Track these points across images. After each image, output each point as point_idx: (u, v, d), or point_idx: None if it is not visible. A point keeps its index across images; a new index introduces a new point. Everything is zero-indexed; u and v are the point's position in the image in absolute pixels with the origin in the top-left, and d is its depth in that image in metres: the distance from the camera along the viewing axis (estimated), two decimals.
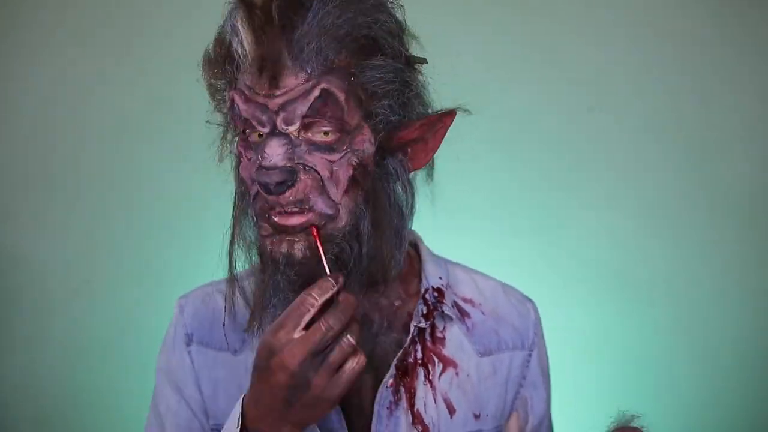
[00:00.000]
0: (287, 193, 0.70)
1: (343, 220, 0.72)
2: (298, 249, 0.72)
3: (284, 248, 0.72)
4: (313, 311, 0.67)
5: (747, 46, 1.79)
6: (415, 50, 0.78)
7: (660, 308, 1.84)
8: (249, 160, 0.73)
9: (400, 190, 0.78)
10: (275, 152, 0.69)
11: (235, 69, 0.72)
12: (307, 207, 0.71)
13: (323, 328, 0.66)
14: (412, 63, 0.76)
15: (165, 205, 1.87)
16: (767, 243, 1.83)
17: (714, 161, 1.82)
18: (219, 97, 0.78)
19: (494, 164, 1.75)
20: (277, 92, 0.69)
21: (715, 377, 1.82)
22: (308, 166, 0.70)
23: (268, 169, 0.69)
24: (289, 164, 0.70)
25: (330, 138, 0.70)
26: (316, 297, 0.67)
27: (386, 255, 0.77)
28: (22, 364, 1.92)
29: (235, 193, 0.79)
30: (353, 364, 0.67)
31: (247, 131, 0.73)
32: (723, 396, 1.81)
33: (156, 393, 0.89)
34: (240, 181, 0.76)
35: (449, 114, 0.76)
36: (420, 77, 0.77)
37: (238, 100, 0.72)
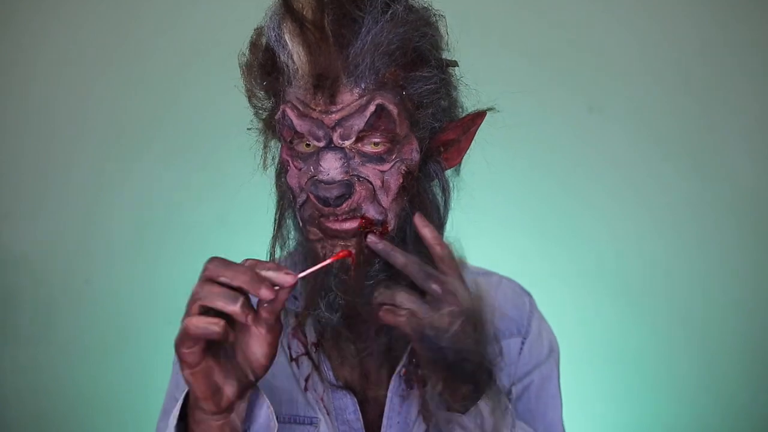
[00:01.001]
0: (344, 205, 0.72)
1: (391, 224, 0.75)
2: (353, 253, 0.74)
3: (336, 253, 0.74)
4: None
5: (747, 46, 1.79)
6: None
7: (660, 307, 1.84)
8: (298, 169, 0.75)
9: (439, 191, 0.81)
10: (332, 166, 0.71)
11: (284, 81, 0.73)
12: (359, 214, 0.74)
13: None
14: (446, 67, 0.78)
15: (165, 205, 1.88)
16: (767, 243, 1.83)
17: (714, 161, 1.82)
18: (258, 103, 0.79)
19: (494, 164, 1.75)
20: (334, 108, 0.71)
21: (715, 377, 1.82)
22: (362, 177, 0.73)
23: (326, 183, 0.71)
24: (346, 178, 0.72)
25: (381, 149, 0.73)
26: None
27: (426, 253, 0.79)
28: (22, 364, 1.92)
29: (278, 198, 0.81)
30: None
31: (294, 141, 0.75)
32: (723, 396, 1.81)
33: (171, 381, 0.91)
34: (286, 187, 0.77)
35: (481, 115, 0.79)
36: (454, 80, 0.79)
37: (291, 114, 0.73)
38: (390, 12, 0.70)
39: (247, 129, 0.82)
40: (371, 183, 0.73)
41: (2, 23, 1.88)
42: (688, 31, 1.80)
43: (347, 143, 0.72)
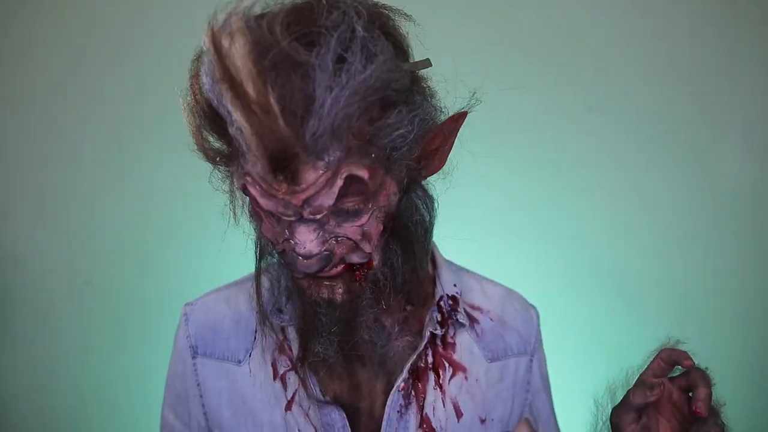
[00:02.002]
0: (323, 271, 0.70)
1: (376, 260, 0.73)
2: (339, 293, 0.73)
3: (324, 294, 0.72)
4: None
5: (747, 45, 1.79)
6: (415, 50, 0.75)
7: (660, 307, 1.84)
8: (272, 225, 0.71)
9: (423, 209, 0.78)
10: (307, 239, 0.67)
11: (238, 147, 0.66)
12: (342, 263, 0.71)
13: None
14: (417, 81, 0.71)
15: (165, 205, 1.87)
16: (767, 242, 1.83)
17: (714, 161, 1.82)
18: (209, 152, 0.72)
19: (493, 164, 1.75)
20: (298, 189, 0.64)
21: (715, 376, 1.82)
22: (340, 237, 0.69)
23: (305, 257, 0.68)
24: (325, 249, 0.68)
25: (355, 207, 0.68)
26: None
27: (419, 274, 0.79)
28: (22, 364, 1.92)
29: (256, 237, 0.78)
30: None
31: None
32: (723, 395, 1.81)
33: (163, 397, 0.91)
34: (262, 236, 0.75)
35: (462, 116, 0.73)
36: (426, 87, 0.73)
37: (254, 192, 0.67)
38: (345, 71, 0.60)
39: (216, 189, 0.78)
40: (351, 238, 0.69)
41: (3, 24, 1.88)
42: (688, 31, 1.80)
43: (318, 216, 0.67)
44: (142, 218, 1.89)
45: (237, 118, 0.61)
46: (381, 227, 0.70)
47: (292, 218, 0.67)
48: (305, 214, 0.66)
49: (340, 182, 0.65)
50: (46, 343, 1.91)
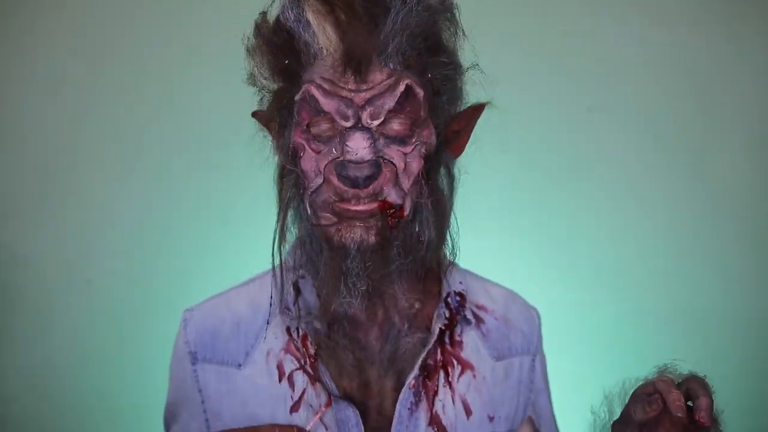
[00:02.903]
0: (370, 187, 0.72)
1: (407, 208, 0.75)
2: (372, 234, 0.73)
3: (357, 234, 0.73)
4: None
5: (747, 45, 1.79)
6: None
7: (659, 307, 1.84)
8: (316, 152, 0.74)
9: (446, 178, 0.81)
10: (361, 145, 0.71)
11: (303, 61, 0.73)
12: (380, 198, 0.73)
13: None
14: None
15: (165, 205, 1.87)
16: (766, 242, 1.83)
17: (713, 161, 1.82)
18: (266, 87, 0.78)
19: (493, 164, 1.75)
20: (364, 87, 0.71)
21: (715, 376, 1.82)
22: (386, 159, 0.73)
23: (356, 163, 0.70)
24: (375, 158, 0.71)
25: (403, 130, 0.73)
26: None
27: (441, 242, 0.81)
28: (22, 364, 1.92)
29: (282, 186, 0.79)
30: None
31: (312, 124, 0.73)
32: (723, 395, 1.81)
33: (168, 405, 0.91)
34: (299, 172, 0.75)
35: (480, 107, 0.81)
36: (463, 71, 0.80)
37: (317, 93, 0.71)
38: None
39: (251, 114, 0.81)
40: (395, 165, 0.73)
41: (3, 24, 1.88)
42: (688, 31, 1.80)
43: (375, 123, 0.71)
44: (143, 218, 1.89)
45: (319, 20, 0.69)
46: (421, 163, 0.74)
47: (350, 122, 0.71)
48: (364, 117, 0.71)
49: (401, 87, 0.71)
50: (46, 343, 1.91)
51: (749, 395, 1.82)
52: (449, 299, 0.85)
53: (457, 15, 0.78)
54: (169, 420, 0.91)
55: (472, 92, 0.82)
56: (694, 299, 1.83)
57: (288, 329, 0.82)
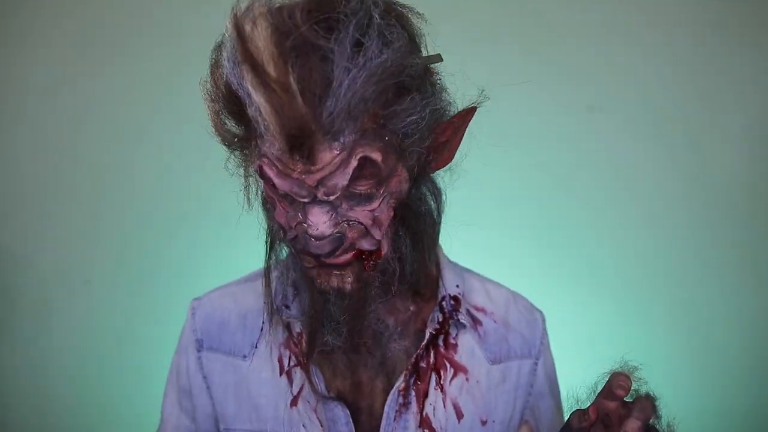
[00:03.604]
0: (337, 254, 0.71)
1: (385, 248, 0.73)
2: (348, 282, 0.73)
3: (334, 283, 0.73)
4: None
5: (747, 45, 1.79)
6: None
7: (660, 307, 1.84)
8: (286, 210, 0.72)
9: (431, 201, 0.79)
10: (321, 221, 0.69)
11: (257, 131, 0.68)
12: (352, 250, 0.72)
13: None
14: (429, 72, 0.73)
15: (165, 206, 1.87)
16: (766, 242, 1.83)
17: (714, 160, 1.82)
18: (227, 136, 0.74)
19: (493, 163, 1.75)
20: (314, 168, 0.66)
21: (716, 376, 1.82)
22: (352, 221, 0.70)
23: (317, 238, 0.69)
24: (337, 231, 0.69)
25: (367, 191, 0.69)
26: None
27: (426, 265, 0.80)
28: (21, 364, 1.92)
29: (267, 221, 0.79)
30: None
31: (276, 186, 0.71)
32: (724, 395, 1.81)
33: (164, 395, 0.91)
34: (274, 223, 0.75)
35: (471, 111, 0.75)
36: (438, 80, 0.74)
37: (270, 173, 0.68)
38: (362, 54, 0.62)
39: (226, 168, 0.78)
40: (362, 223, 0.70)
41: (3, 24, 1.88)
42: (688, 31, 1.80)
43: (332, 198, 0.68)
44: (142, 218, 1.89)
45: (257, 98, 0.63)
46: (392, 213, 0.72)
47: (306, 199, 0.68)
48: (319, 194, 0.68)
49: (354, 163, 0.66)
50: (46, 343, 1.91)
51: (750, 396, 1.82)
52: (443, 303, 0.85)
53: (418, 38, 0.71)
54: (171, 411, 0.91)
55: (471, 92, 0.79)
56: (694, 299, 1.83)
57: (288, 325, 0.83)
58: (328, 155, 0.65)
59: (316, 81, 0.62)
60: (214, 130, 0.74)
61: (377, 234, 0.71)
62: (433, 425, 0.81)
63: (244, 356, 0.84)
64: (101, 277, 1.90)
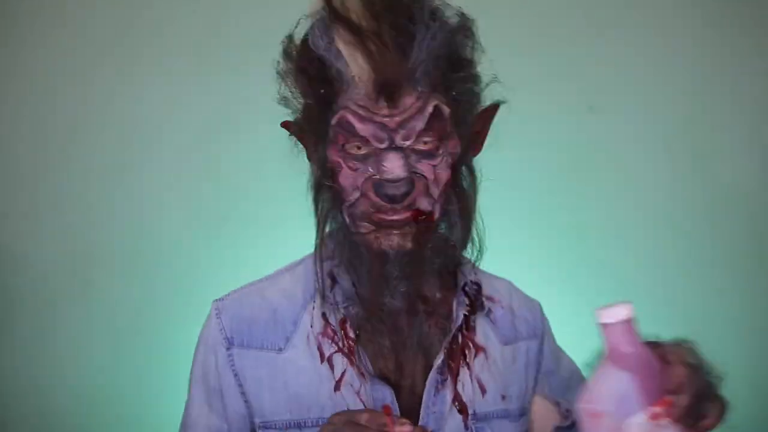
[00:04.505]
0: (405, 201, 0.78)
1: (437, 212, 0.81)
2: (408, 240, 0.80)
3: (394, 241, 0.80)
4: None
5: (747, 46, 1.79)
6: None
7: (659, 308, 1.83)
8: (353, 170, 0.80)
9: (469, 184, 0.88)
10: (396, 165, 0.77)
11: (336, 88, 0.78)
12: (413, 207, 0.80)
13: None
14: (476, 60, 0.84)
15: (165, 206, 1.88)
16: (766, 242, 1.83)
17: (714, 161, 1.82)
18: (297, 108, 0.83)
19: (493, 164, 1.75)
20: (396, 112, 0.77)
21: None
22: (418, 173, 0.79)
23: (393, 181, 0.77)
24: (409, 175, 0.78)
25: (431, 145, 0.80)
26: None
27: (468, 239, 0.87)
28: (22, 364, 1.92)
29: (317, 204, 0.85)
30: None
31: (347, 144, 0.80)
32: (725, 394, 1.81)
33: (189, 401, 0.93)
34: (338, 188, 0.82)
35: (495, 107, 0.87)
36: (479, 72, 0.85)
37: (353, 119, 0.78)
38: (437, 18, 0.77)
39: (283, 125, 0.85)
40: (426, 177, 0.79)
41: (3, 24, 1.88)
42: (688, 31, 1.80)
43: (408, 143, 0.78)
44: (142, 218, 1.89)
45: (350, 50, 0.75)
46: (449, 173, 0.81)
47: (385, 144, 0.78)
48: (397, 139, 0.78)
49: (430, 109, 0.77)
50: (46, 343, 1.91)
51: (752, 397, 1.82)
52: (467, 288, 0.92)
53: (474, 30, 0.84)
54: (200, 412, 0.91)
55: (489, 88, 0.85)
56: (695, 299, 1.83)
57: (324, 315, 0.88)
58: (408, 100, 0.77)
59: (404, 34, 0.75)
60: (285, 103, 0.83)
61: (435, 192, 0.80)
62: (464, 400, 0.88)
63: (280, 349, 0.88)
64: (101, 277, 1.90)
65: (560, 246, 1.84)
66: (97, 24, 1.87)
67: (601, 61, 1.81)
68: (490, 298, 0.96)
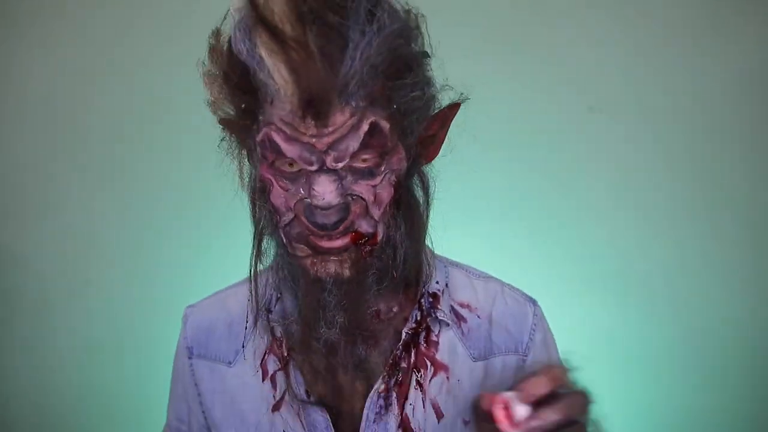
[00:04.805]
0: (340, 227, 0.70)
1: (380, 234, 0.73)
2: (346, 268, 0.72)
3: (331, 269, 0.72)
4: None
5: (746, 46, 1.79)
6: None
7: (660, 308, 1.84)
8: (285, 190, 0.71)
9: (420, 189, 0.79)
10: (327, 189, 0.68)
11: (262, 99, 0.68)
12: (351, 230, 0.71)
13: None
14: (425, 61, 0.74)
15: (165, 206, 1.88)
16: (766, 242, 1.83)
17: (713, 161, 1.82)
18: (226, 117, 0.74)
19: (494, 164, 1.75)
20: (326, 131, 0.66)
21: (717, 377, 1.82)
22: (355, 195, 0.70)
23: (323, 208, 0.68)
24: (342, 201, 0.69)
25: (371, 163, 0.69)
26: None
27: (418, 255, 0.79)
28: (22, 364, 1.92)
29: (255, 216, 0.77)
30: None
31: (277, 161, 0.70)
32: (724, 395, 1.81)
33: (170, 398, 0.93)
34: (270, 207, 0.74)
35: (455, 106, 0.76)
36: (431, 76, 0.75)
37: (278, 139, 0.67)
38: (375, 21, 0.65)
39: (218, 146, 0.78)
40: (364, 199, 0.70)
41: (2, 24, 1.88)
42: (689, 31, 1.80)
43: (340, 165, 0.68)
44: (142, 218, 1.89)
45: (272, 59, 0.64)
46: (392, 192, 0.72)
47: (314, 166, 0.68)
48: (328, 161, 0.67)
49: (365, 127, 0.67)
50: (46, 343, 1.91)
51: (750, 396, 1.82)
52: (422, 300, 0.83)
53: (422, 27, 0.73)
54: (170, 415, 0.92)
55: (469, 91, 0.79)
56: (694, 300, 1.83)
57: (272, 330, 0.83)
58: (340, 117, 0.66)
59: (334, 41, 0.63)
60: (212, 108, 0.74)
61: (376, 213, 0.71)
62: (412, 425, 0.80)
63: (229, 363, 0.85)
64: (101, 277, 1.90)
65: (559, 246, 1.84)
66: (97, 24, 1.87)
67: (602, 61, 1.81)
68: (466, 306, 0.86)
